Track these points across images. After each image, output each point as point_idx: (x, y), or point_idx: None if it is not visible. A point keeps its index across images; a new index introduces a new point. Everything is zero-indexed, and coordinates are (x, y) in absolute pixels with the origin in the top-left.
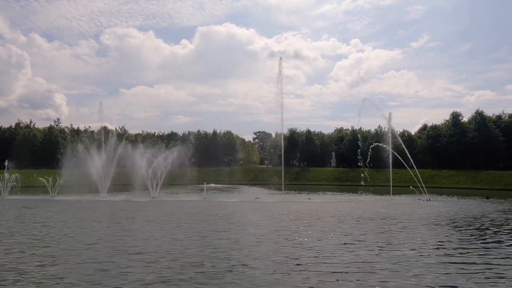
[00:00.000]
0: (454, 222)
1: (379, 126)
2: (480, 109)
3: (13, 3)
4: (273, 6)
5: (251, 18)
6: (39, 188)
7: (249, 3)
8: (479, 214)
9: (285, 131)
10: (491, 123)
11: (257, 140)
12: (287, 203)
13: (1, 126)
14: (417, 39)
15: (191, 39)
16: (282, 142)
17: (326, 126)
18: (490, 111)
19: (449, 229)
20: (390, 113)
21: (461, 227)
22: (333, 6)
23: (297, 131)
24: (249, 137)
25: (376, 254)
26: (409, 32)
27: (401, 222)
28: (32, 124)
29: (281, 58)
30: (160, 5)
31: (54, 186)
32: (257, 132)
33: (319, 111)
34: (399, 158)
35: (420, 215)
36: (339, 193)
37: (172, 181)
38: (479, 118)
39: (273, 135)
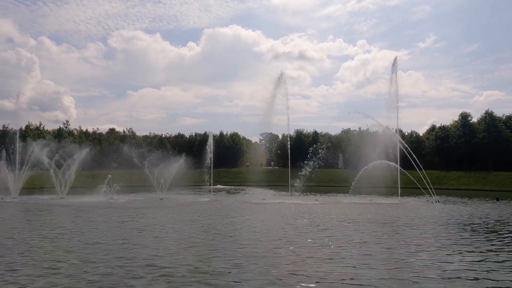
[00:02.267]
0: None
1: (386, 127)
2: (489, 109)
3: (23, 7)
4: (279, 7)
5: (257, 20)
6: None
7: (255, 4)
8: (498, 217)
9: (292, 132)
10: (501, 124)
11: (263, 142)
12: (294, 205)
13: (12, 129)
14: (424, 40)
15: (198, 41)
16: (289, 143)
17: (333, 127)
18: (500, 111)
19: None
20: (396, 57)
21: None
22: (338, 7)
23: (303, 132)
24: (255, 138)
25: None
26: (416, 33)
27: (415, 226)
28: (41, 126)
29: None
30: (167, 7)
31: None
32: (264, 134)
33: (325, 112)
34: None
35: (433, 218)
36: (350, 195)
37: (179, 182)
38: (489, 118)
39: (280, 137)
